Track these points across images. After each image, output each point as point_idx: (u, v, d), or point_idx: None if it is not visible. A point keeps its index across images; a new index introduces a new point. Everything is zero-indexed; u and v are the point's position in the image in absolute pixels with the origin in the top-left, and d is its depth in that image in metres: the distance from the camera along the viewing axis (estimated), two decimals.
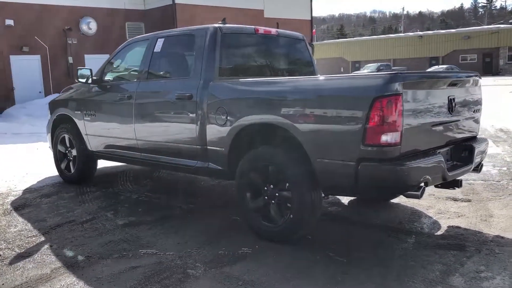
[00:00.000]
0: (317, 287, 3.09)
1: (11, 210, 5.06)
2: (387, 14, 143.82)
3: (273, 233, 3.86)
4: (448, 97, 3.69)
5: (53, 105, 6.40)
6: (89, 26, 18.32)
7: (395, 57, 54.10)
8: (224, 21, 4.77)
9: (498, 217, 4.49)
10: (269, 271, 3.35)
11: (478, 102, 4.27)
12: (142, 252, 3.75)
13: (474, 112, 4.21)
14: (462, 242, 3.85)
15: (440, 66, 37.59)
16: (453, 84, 3.78)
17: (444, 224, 4.35)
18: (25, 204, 5.30)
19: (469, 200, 5.11)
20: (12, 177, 6.66)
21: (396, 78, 3.17)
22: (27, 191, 5.90)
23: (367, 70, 41.29)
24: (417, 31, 64.13)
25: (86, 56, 18.42)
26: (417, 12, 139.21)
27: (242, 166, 4.01)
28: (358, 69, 50.02)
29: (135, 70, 5.23)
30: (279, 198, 3.80)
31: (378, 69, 40.76)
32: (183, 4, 19.50)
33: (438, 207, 4.86)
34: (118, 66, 5.63)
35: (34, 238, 4.17)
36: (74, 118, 5.89)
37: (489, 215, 4.54)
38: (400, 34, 64.62)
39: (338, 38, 79.53)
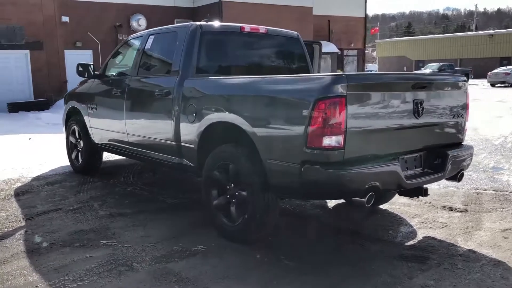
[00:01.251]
0: None
1: (11, 196, 5.39)
2: (462, 11, 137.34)
3: (232, 232, 3.84)
4: (414, 100, 3.49)
5: (67, 98, 6.72)
6: (139, 23, 19.00)
7: (462, 56, 51.60)
8: (208, 19, 4.78)
9: (484, 230, 4.20)
10: (210, 269, 3.34)
11: (461, 107, 4.00)
12: (102, 243, 3.87)
13: (455, 117, 3.95)
14: (427, 254, 3.63)
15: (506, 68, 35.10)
16: (420, 87, 3.57)
17: (422, 234, 4.13)
18: (27, 190, 5.62)
19: (465, 211, 4.81)
20: (29, 165, 7.07)
21: (340, 80, 3.05)
22: (36, 178, 6.25)
23: (429, 69, 39.60)
24: (490, 30, 60.69)
25: None
26: (495, 9, 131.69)
27: (207, 164, 4.02)
28: (421, 68, 48.16)
29: (129, 66, 5.38)
30: (238, 197, 3.78)
31: (440, 69, 38.96)
32: (230, 2, 19.70)
33: (426, 216, 4.62)
34: (118, 62, 5.82)
35: (15, 224, 4.41)
36: (81, 111, 6.16)
37: (475, 228, 4.26)
38: (469, 33, 61.48)
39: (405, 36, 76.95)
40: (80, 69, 5.63)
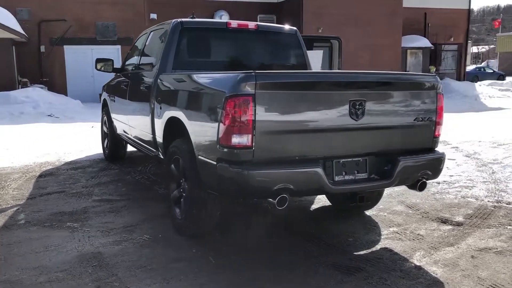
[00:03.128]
0: (146, 284, 3.10)
1: (35, 177, 6.01)
2: None
3: (179, 225, 3.93)
4: (351, 101, 3.26)
5: (103, 89, 7.27)
6: (221, 19, 19.60)
7: None
8: (193, 15, 4.87)
9: (458, 247, 3.78)
10: (136, 258, 3.45)
11: (428, 110, 3.62)
12: (66, 225, 4.19)
13: (418, 120, 3.59)
14: (364, 266, 3.39)
15: None
16: (362, 87, 3.32)
17: (382, 245, 3.84)
18: (51, 173, 6.22)
19: (459, 224, 4.37)
20: (72, 150, 7.78)
21: (248, 78, 2.97)
22: (68, 163, 6.88)
23: None
24: None
25: None
26: None
27: (166, 158, 4.15)
28: None
29: (136, 61, 5.68)
30: (184, 191, 3.85)
31: None
32: None
33: (406, 227, 4.27)
34: (132, 57, 6.16)
35: (16, 201, 4.94)
36: (108, 102, 6.65)
37: (449, 244, 3.85)
38: None
39: None
40: (98, 64, 6.06)
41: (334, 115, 3.24)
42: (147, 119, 4.66)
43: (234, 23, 4.84)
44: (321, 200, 5.04)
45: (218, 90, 3.16)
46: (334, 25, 19.22)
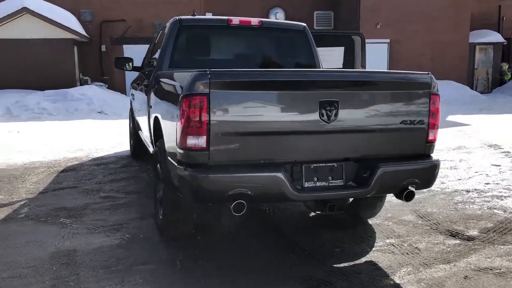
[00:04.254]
0: (100, 285, 3.06)
1: (57, 172, 6.25)
2: None
3: (160, 225, 3.87)
4: (321, 102, 3.00)
5: (130, 86, 7.43)
6: (276, 16, 19.43)
7: None
8: (193, 13, 4.79)
9: (454, 265, 3.40)
10: (105, 259, 3.43)
11: (418, 112, 3.26)
12: (60, 221, 4.27)
13: (406, 123, 3.24)
14: (335, 281, 3.13)
15: None
16: (334, 87, 3.05)
17: (369, 258, 3.54)
18: (74, 168, 6.43)
19: (470, 239, 3.95)
20: (104, 146, 8.02)
21: (202, 76, 2.82)
22: (94, 159, 7.09)
23: None
24: None
25: None
26: None
27: (153, 157, 4.11)
28: None
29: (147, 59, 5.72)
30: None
31: None
32: None
33: (405, 239, 3.92)
34: (146, 56, 6.19)
35: (28, 195, 5.13)
36: (131, 99, 6.77)
37: (447, 261, 3.48)
38: None
39: None
40: (117, 62, 6.16)
41: (301, 117, 3.01)
42: (146, 117, 4.66)
43: (236, 20, 4.69)
44: None
45: (177, 89, 3.05)
46: (393, 21, 18.40)
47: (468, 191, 5.39)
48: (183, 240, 3.78)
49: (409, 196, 3.25)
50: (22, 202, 4.87)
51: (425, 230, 4.15)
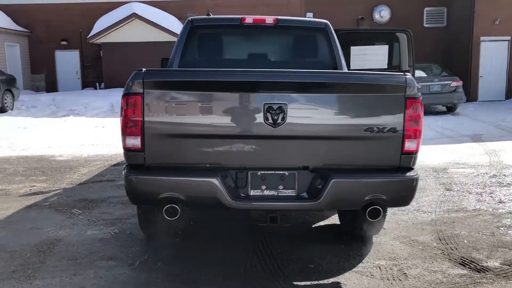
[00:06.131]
0: (53, 276, 3.19)
1: (110, 165, 6.68)
2: None
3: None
4: (265, 104, 2.77)
5: None
6: (381, 14, 18.48)
7: None
8: (208, 13, 4.74)
9: None
10: (72, 250, 3.59)
11: (388, 119, 2.82)
12: (72, 211, 4.54)
13: (372, 131, 2.83)
14: None
15: None
16: (281, 89, 2.77)
17: (340, 279, 3.19)
18: (97, 167, 6.71)
19: (483, 270, 3.35)
20: None
21: (137, 76, 2.78)
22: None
23: None
24: None
25: None
26: None
27: None
28: None
29: None
30: None
31: None
32: None
33: (403, 263, 3.46)
34: None
35: (68, 185, 5.57)
36: None
37: None
38: None
39: None
40: (163, 63, 6.36)
41: (244, 120, 2.81)
42: None
43: (250, 19, 4.54)
44: (333, 218, 4.40)
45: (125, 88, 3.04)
46: None
47: None
48: (163, 240, 3.77)
49: (373, 214, 2.85)
50: (57, 191, 5.30)
51: (432, 254, 3.61)
